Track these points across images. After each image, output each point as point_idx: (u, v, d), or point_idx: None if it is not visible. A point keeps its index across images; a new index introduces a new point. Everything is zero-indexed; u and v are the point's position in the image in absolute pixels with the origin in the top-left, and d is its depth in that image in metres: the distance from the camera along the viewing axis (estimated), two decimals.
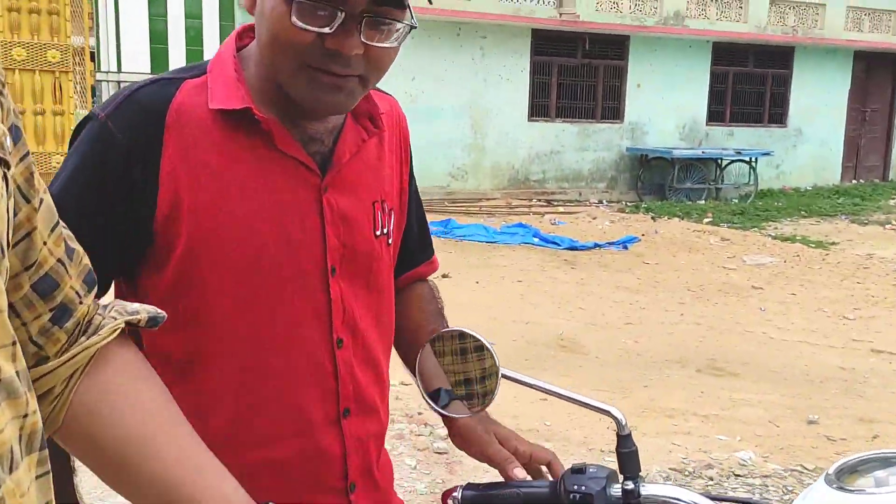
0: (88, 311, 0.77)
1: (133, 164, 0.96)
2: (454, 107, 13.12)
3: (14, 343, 0.62)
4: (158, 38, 11.65)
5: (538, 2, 13.54)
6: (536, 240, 9.97)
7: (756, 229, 11.26)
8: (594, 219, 12.02)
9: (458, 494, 1.12)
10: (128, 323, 0.78)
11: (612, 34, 13.97)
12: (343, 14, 0.91)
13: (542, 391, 1.21)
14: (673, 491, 1.07)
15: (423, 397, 1.20)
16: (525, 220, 11.26)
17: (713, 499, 1.06)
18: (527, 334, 6.14)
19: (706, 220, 11.93)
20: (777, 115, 15.98)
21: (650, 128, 14.70)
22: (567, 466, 1.12)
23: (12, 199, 0.65)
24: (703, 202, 13.79)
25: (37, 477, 0.63)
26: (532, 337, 6.08)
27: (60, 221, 0.74)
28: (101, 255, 0.91)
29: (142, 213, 0.97)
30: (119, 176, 0.96)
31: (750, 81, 15.63)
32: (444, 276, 7.99)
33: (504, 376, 1.17)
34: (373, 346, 1.13)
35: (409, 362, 1.25)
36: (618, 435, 1.11)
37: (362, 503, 1.13)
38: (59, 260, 0.72)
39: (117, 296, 1.05)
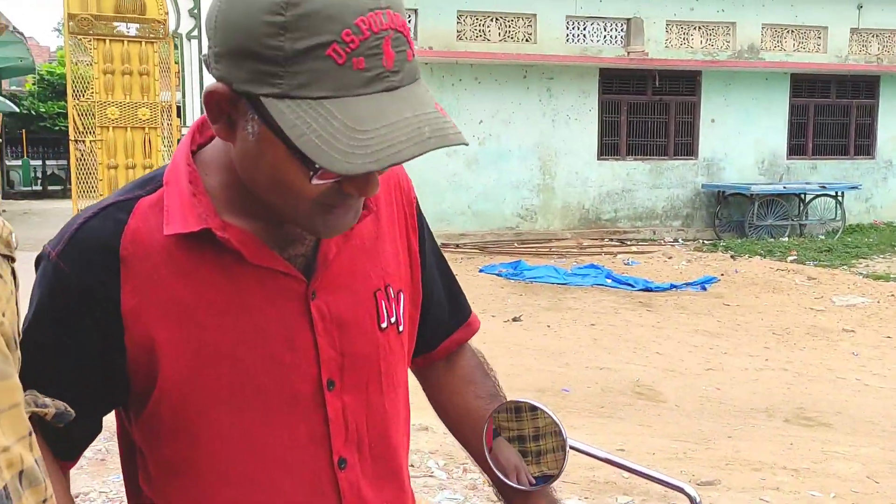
0: None
1: (92, 304, 0.88)
2: (522, 148, 13.03)
3: (30, 433, 0.68)
4: None
5: (605, 41, 13.42)
6: (609, 281, 9.70)
7: (845, 267, 10.69)
8: (669, 258, 11.65)
9: None
10: (34, 414, 0.77)
11: (683, 70, 13.70)
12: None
13: (611, 464, 1.15)
14: None
15: (500, 479, 1.11)
16: (597, 261, 11.00)
17: None
18: (601, 381, 5.89)
19: (790, 258, 11.42)
20: (864, 146, 15.31)
21: (727, 163, 14.27)
22: None
23: (18, 291, 0.70)
24: (786, 239, 13.23)
25: None
26: (606, 384, 5.82)
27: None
28: (80, 397, 0.89)
29: (112, 357, 0.89)
30: (79, 318, 0.88)
31: (833, 113, 15.06)
32: (515, 319, 7.82)
33: (572, 447, 1.10)
34: (388, 456, 1.03)
35: (473, 450, 1.17)
36: None
37: None
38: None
39: (119, 425, 1.00)
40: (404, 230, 1.06)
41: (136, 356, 0.89)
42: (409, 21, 12.35)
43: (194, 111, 13.90)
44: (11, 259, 0.71)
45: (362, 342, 0.97)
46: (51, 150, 26.41)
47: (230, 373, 0.90)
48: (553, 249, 12.20)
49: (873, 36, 15.04)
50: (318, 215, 0.85)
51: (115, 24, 11.69)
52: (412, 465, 4.09)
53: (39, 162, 26.14)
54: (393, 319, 1.01)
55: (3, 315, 0.68)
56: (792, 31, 14.54)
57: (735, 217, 13.96)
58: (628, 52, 13.34)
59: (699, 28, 13.95)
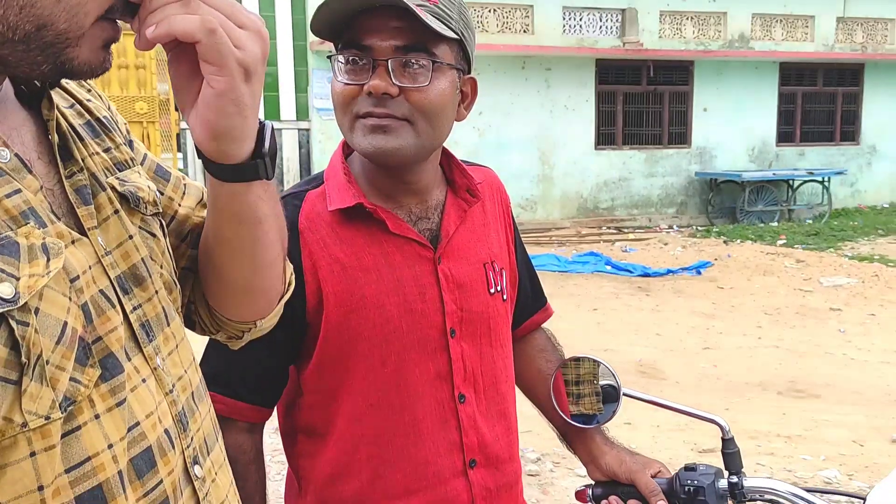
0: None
1: None
2: (521, 139, 13.38)
3: (194, 359, 0.82)
4: (270, 87, 12.22)
5: (601, 32, 13.76)
6: (609, 268, 10.09)
7: (832, 250, 11.14)
8: (665, 245, 12.06)
9: (590, 491, 1.35)
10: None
11: (677, 60, 14.07)
12: (374, 61, 1.08)
13: (658, 405, 1.44)
14: (771, 483, 1.29)
15: (562, 420, 1.36)
16: (596, 249, 11.39)
17: (808, 490, 1.27)
18: (606, 361, 6.28)
19: (780, 242, 11.85)
20: (849, 132, 15.75)
21: (719, 151, 14.68)
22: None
23: (168, 238, 0.84)
24: (775, 224, 13.67)
25: (224, 456, 0.85)
26: (612, 365, 6.19)
27: (204, 193, 0.93)
28: (278, 349, 1.15)
29: (297, 304, 1.11)
30: None
31: (820, 100, 15.48)
32: None
33: (625, 394, 1.39)
34: (498, 399, 1.26)
35: (546, 410, 1.41)
36: (722, 439, 1.33)
37: None
38: (202, 218, 0.91)
39: (288, 390, 1.24)
40: (503, 224, 1.34)
41: (312, 304, 1.14)
42: None
43: None
44: (159, 214, 0.82)
45: (476, 302, 1.22)
46: None
47: (375, 316, 1.15)
48: (553, 238, 12.58)
49: (858, 24, 15.44)
50: (359, 131, 1.11)
51: None
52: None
53: None
54: (499, 288, 1.27)
55: (162, 267, 0.78)
56: (780, 21, 14.91)
57: (727, 203, 14.37)
58: (623, 43, 13.69)
59: (692, 18, 14.31)
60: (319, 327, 1.15)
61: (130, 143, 0.86)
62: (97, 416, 0.66)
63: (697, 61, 14.26)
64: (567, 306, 8.21)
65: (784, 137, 15.29)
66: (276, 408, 1.25)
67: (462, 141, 12.99)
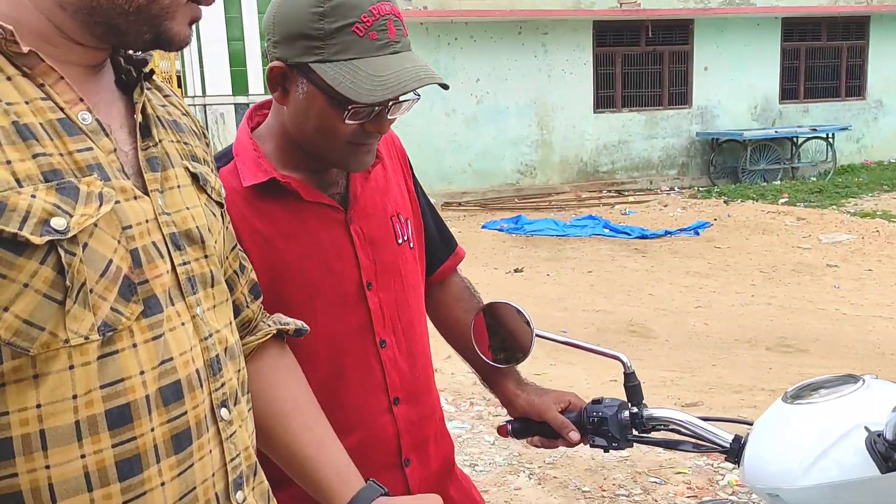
0: (254, 316, 1.10)
1: None
2: (519, 104, 13.30)
3: (232, 322, 0.95)
4: (237, 61, 12.23)
5: None
6: (606, 230, 10.08)
7: (834, 207, 11.06)
8: (665, 206, 12.01)
9: (509, 427, 1.46)
10: (279, 330, 1.11)
11: (676, 19, 13.89)
12: (379, 108, 1.18)
13: (566, 344, 1.50)
14: (669, 413, 1.37)
15: (481, 362, 1.45)
16: (595, 212, 11.37)
17: (703, 419, 1.32)
18: (597, 322, 6.31)
19: (781, 200, 11.76)
20: (854, 87, 15.52)
21: (720, 110, 14.52)
22: None
23: (226, 231, 0.99)
24: (778, 183, 13.55)
25: (249, 410, 0.96)
26: (602, 325, 6.25)
27: (237, 244, 1.07)
28: None
29: None
30: None
31: (824, 56, 15.25)
32: (516, 270, 8.23)
33: (538, 335, 1.44)
34: (415, 339, 1.37)
35: (465, 354, 1.51)
36: (624, 373, 1.41)
37: (417, 475, 1.36)
38: (234, 271, 1.05)
39: None
40: (401, 175, 1.43)
41: None
42: None
43: (194, 81, 14.15)
44: (222, 205, 0.97)
45: (387, 253, 1.33)
46: None
47: (298, 278, 1.25)
48: (553, 203, 12.55)
49: None
50: (349, 153, 1.23)
51: None
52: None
53: None
54: (405, 237, 1.37)
55: (216, 242, 0.92)
56: None
57: (729, 163, 14.26)
58: (621, 4, 13.51)
59: None
60: None
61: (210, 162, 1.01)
62: (135, 346, 0.77)
63: (697, 20, 14.06)
64: (562, 269, 8.23)
65: (787, 94, 15.10)
66: None
67: (459, 108, 12.93)
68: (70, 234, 0.72)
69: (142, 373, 0.77)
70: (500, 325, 1.47)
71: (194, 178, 0.91)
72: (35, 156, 0.72)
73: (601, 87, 13.84)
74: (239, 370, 0.93)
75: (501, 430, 1.49)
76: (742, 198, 12.15)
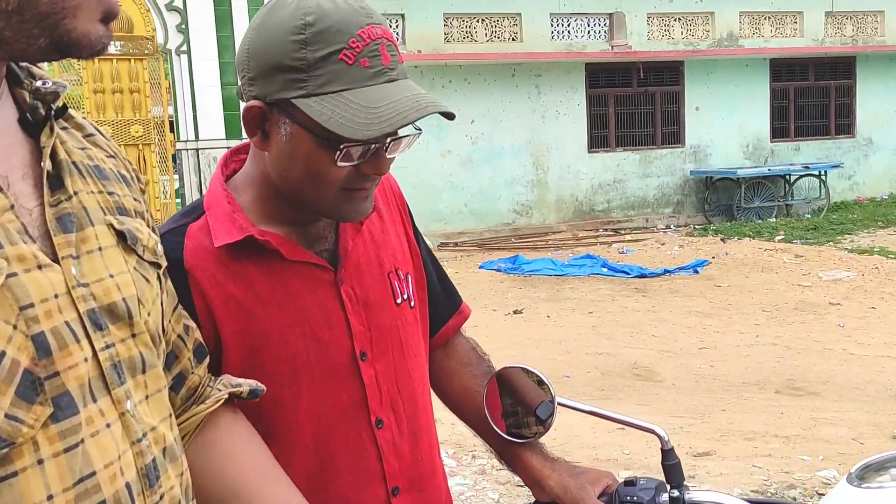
0: (200, 382, 0.93)
1: None
2: (514, 145, 13.35)
3: (171, 414, 0.77)
4: (231, 106, 12.24)
5: (589, 36, 13.73)
6: (605, 270, 10.03)
7: (831, 244, 11.06)
8: (662, 244, 11.99)
9: None
10: (231, 394, 0.94)
11: (666, 61, 14.04)
12: (377, 145, 1.01)
13: (593, 415, 1.32)
14: (715, 496, 1.20)
15: (498, 437, 1.25)
16: (593, 251, 11.33)
17: (754, 502, 1.19)
18: (601, 365, 6.21)
19: (778, 237, 11.77)
20: (844, 125, 15.68)
21: (713, 149, 14.62)
22: None
23: (164, 295, 0.82)
24: (773, 220, 13.59)
25: None
26: (606, 368, 6.15)
27: (179, 303, 0.90)
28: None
29: None
30: None
31: (812, 95, 15.43)
32: (516, 311, 8.13)
33: (560, 404, 1.26)
34: (418, 414, 1.19)
35: (474, 424, 1.31)
36: (662, 450, 1.22)
37: None
38: (178, 335, 0.88)
39: None
40: (401, 224, 1.24)
41: (211, 348, 1.03)
42: (397, 26, 12.65)
43: (187, 126, 14.13)
44: (158, 266, 0.80)
45: (384, 317, 1.14)
46: None
47: (280, 351, 1.07)
48: (550, 242, 12.52)
49: (847, 18, 15.40)
50: (343, 201, 1.05)
51: None
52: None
53: None
54: (405, 296, 1.18)
55: (150, 314, 0.75)
56: (769, 18, 14.88)
57: (724, 201, 14.31)
58: (612, 47, 13.66)
59: (679, 19, 14.28)
60: (226, 366, 1.07)
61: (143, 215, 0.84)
62: (40, 462, 0.60)
63: (687, 61, 14.22)
64: (562, 310, 8.14)
65: (778, 133, 15.23)
66: None
67: (455, 149, 12.96)
68: None
69: (50, 497, 0.60)
70: (514, 393, 1.27)
71: (120, 236, 0.74)
72: None
73: (595, 127, 13.93)
74: (182, 473, 0.76)
75: None
76: (738, 235, 12.15)
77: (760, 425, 4.73)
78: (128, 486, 0.66)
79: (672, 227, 13.95)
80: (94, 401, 0.65)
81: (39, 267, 0.63)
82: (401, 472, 1.15)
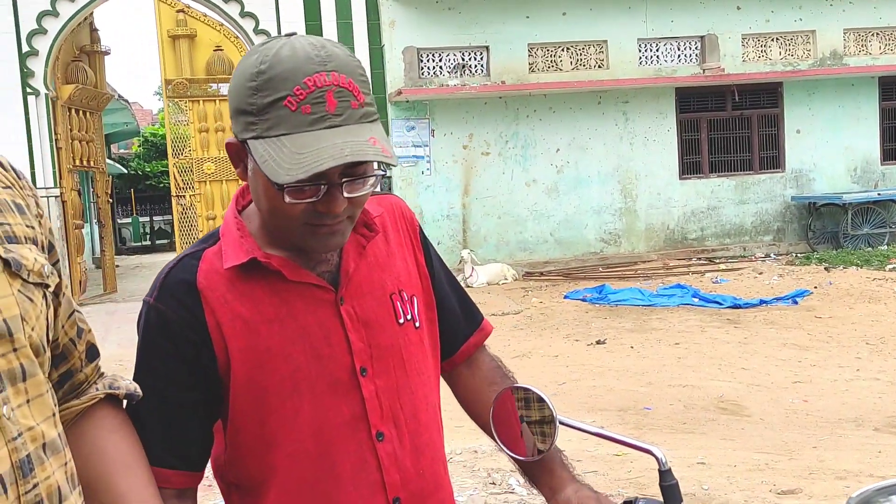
0: (87, 378, 1.04)
1: (189, 328, 1.15)
2: (601, 173, 13.10)
3: (54, 414, 0.89)
4: None
5: (679, 60, 13.39)
6: (696, 300, 9.62)
7: None
8: (760, 274, 11.43)
9: None
10: (108, 395, 1.05)
11: (763, 83, 13.51)
12: (325, 186, 1.07)
13: (593, 434, 1.34)
14: None
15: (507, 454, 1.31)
16: (684, 281, 10.90)
17: None
18: (684, 398, 5.90)
19: (889, 266, 11.01)
20: None
21: (816, 174, 13.90)
22: None
23: (50, 310, 0.93)
24: (885, 248, 12.75)
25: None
26: (689, 401, 5.83)
27: (76, 310, 1.01)
28: (197, 411, 1.17)
29: (208, 363, 1.15)
30: (183, 342, 1.15)
31: None
32: (599, 342, 7.88)
33: (561, 423, 1.29)
34: (420, 430, 1.24)
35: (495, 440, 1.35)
36: (659, 471, 1.23)
37: None
38: (70, 339, 1.00)
39: (217, 448, 1.24)
40: (411, 249, 1.31)
41: (222, 361, 1.15)
42: (481, 58, 12.69)
43: None
44: (45, 285, 0.92)
45: (385, 336, 1.21)
46: (157, 207, 27.92)
47: (283, 366, 1.15)
48: (638, 272, 12.15)
49: None
50: (309, 235, 1.12)
51: (208, 85, 12.48)
52: (493, 483, 4.25)
53: (147, 218, 27.66)
54: (409, 317, 1.25)
55: (33, 329, 0.88)
56: (877, 34, 14.11)
57: (829, 228, 13.55)
58: (704, 70, 13.26)
59: (777, 39, 13.74)
60: (231, 381, 1.16)
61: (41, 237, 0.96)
62: None
63: (786, 82, 13.64)
64: (647, 341, 7.83)
65: (890, 155, 14.34)
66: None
67: (540, 178, 12.83)
68: None
69: None
70: (527, 412, 1.30)
71: (6, 264, 0.85)
72: None
73: (687, 152, 13.51)
74: (66, 463, 0.89)
75: None
76: (844, 264, 11.45)
77: (854, 464, 4.35)
78: (0, 477, 0.78)
79: (772, 255, 13.30)
80: None
81: None
82: (402, 485, 1.20)
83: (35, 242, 0.92)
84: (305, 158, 1.03)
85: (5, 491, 0.79)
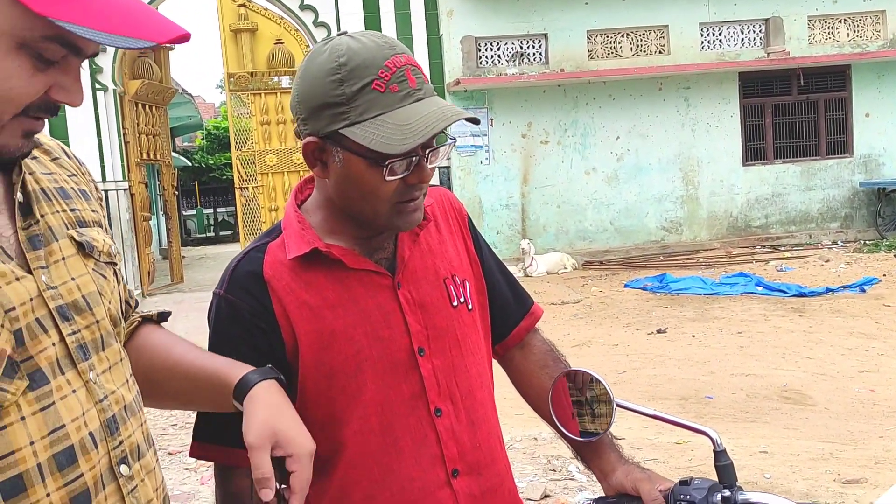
0: (133, 319, 1.19)
1: (258, 317, 1.22)
2: (662, 160, 12.92)
3: (130, 378, 1.00)
4: None
5: (743, 44, 13.10)
6: (760, 288, 9.44)
7: None
8: (827, 262, 11.14)
9: None
10: (143, 317, 1.19)
11: (830, 65, 13.12)
12: (417, 157, 1.16)
13: (648, 416, 1.37)
14: (768, 498, 1.19)
15: (563, 434, 1.36)
16: (748, 269, 10.71)
17: None
18: (746, 387, 5.83)
19: None
20: None
21: (887, 158, 13.45)
22: None
23: (120, 284, 1.06)
24: None
25: (156, 462, 1.00)
26: (752, 390, 5.76)
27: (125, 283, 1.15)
28: None
29: (278, 349, 1.22)
30: (253, 329, 1.22)
31: None
32: (659, 331, 7.82)
33: (618, 405, 1.33)
34: (475, 407, 1.30)
35: (549, 420, 1.41)
36: (714, 451, 1.25)
37: None
38: (126, 301, 1.13)
39: None
40: (461, 236, 1.39)
41: (290, 346, 1.22)
42: (539, 46, 12.64)
43: None
44: (114, 264, 1.03)
45: (440, 318, 1.28)
46: (220, 199, 28.50)
47: (346, 348, 1.22)
48: (700, 260, 11.97)
49: None
50: (395, 215, 1.20)
51: (269, 78, 12.72)
52: (553, 470, 4.29)
53: (211, 210, 28.28)
54: (462, 300, 1.32)
55: (110, 303, 0.98)
56: None
57: None
58: (768, 54, 12.95)
59: (845, 21, 13.31)
60: (299, 365, 1.23)
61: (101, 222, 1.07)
62: (23, 418, 0.82)
63: (855, 64, 13.22)
64: (709, 330, 7.74)
65: None
66: None
67: (599, 167, 12.73)
68: None
69: (31, 443, 0.82)
70: (581, 395, 1.36)
71: (80, 246, 0.95)
72: None
73: (750, 138, 13.22)
74: (142, 423, 0.99)
75: None
76: None
77: None
78: (91, 434, 0.88)
79: (839, 243, 12.94)
80: (63, 373, 0.87)
81: (18, 279, 0.85)
82: (460, 457, 1.26)
83: (100, 225, 1.03)
84: (415, 127, 1.12)
85: (96, 446, 0.88)
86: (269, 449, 1.01)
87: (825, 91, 13.38)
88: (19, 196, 0.90)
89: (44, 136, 1.00)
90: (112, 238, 1.07)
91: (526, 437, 4.68)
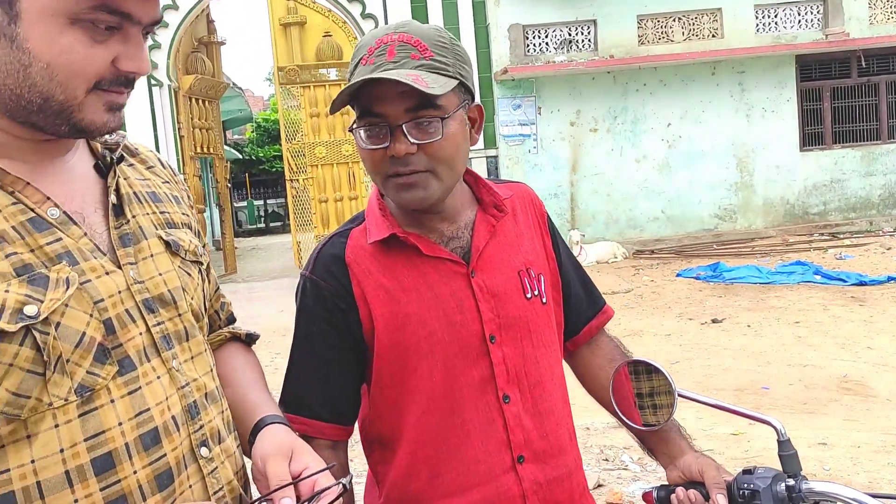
0: (222, 334, 1.26)
1: (338, 297, 1.30)
2: (715, 147, 12.66)
3: (212, 369, 1.07)
4: (488, 117, 12.67)
5: (800, 26, 12.74)
6: (818, 277, 9.19)
7: None
8: (888, 249, 10.80)
9: (655, 493, 1.35)
10: (231, 333, 1.26)
11: (892, 46, 12.68)
12: (388, 127, 1.20)
13: (711, 406, 1.37)
14: (833, 487, 1.18)
15: (627, 424, 1.38)
16: (805, 257, 10.44)
17: (875, 496, 1.09)
18: (804, 378, 5.69)
19: None
20: None
21: None
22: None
23: (205, 283, 1.13)
24: None
25: (237, 447, 1.07)
26: (810, 381, 5.62)
27: (219, 287, 1.25)
28: (350, 371, 1.32)
29: (355, 328, 1.30)
30: (334, 309, 1.30)
31: None
32: (714, 321, 7.68)
33: (680, 395, 1.33)
34: (544, 397, 1.33)
35: (613, 411, 1.43)
36: (778, 441, 1.25)
37: None
38: (216, 310, 1.25)
39: (362, 406, 1.38)
40: (539, 232, 1.42)
41: (367, 327, 1.29)
42: (589, 32, 12.48)
43: None
44: (199, 263, 1.10)
45: (512, 307, 1.31)
46: (270, 190, 28.92)
47: (420, 330, 1.27)
48: (756, 249, 11.71)
49: None
50: (392, 190, 1.25)
51: (318, 70, 12.81)
52: (606, 459, 4.25)
53: (261, 202, 28.71)
54: (536, 293, 1.35)
55: (193, 298, 1.05)
56: None
57: None
58: (826, 35, 12.57)
59: None
60: (376, 345, 1.29)
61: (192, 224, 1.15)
62: (112, 401, 0.89)
63: None
64: (765, 320, 7.57)
65: None
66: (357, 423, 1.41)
67: (650, 154, 12.54)
68: (41, 318, 0.84)
69: (120, 424, 0.89)
70: (643, 386, 1.37)
71: (167, 245, 1.03)
72: (7, 255, 0.85)
73: (807, 123, 12.87)
74: (223, 411, 1.05)
75: (647, 497, 1.37)
76: None
77: None
78: (174, 417, 0.95)
79: None
80: (148, 361, 0.94)
81: (108, 273, 0.92)
82: (525, 444, 1.29)
83: (190, 228, 1.11)
84: (351, 86, 1.18)
85: (178, 429, 0.95)
86: (288, 458, 1.02)
87: (887, 73, 12.95)
88: (113, 198, 0.98)
89: (142, 146, 1.12)
90: (201, 240, 1.15)
91: (579, 427, 4.62)
